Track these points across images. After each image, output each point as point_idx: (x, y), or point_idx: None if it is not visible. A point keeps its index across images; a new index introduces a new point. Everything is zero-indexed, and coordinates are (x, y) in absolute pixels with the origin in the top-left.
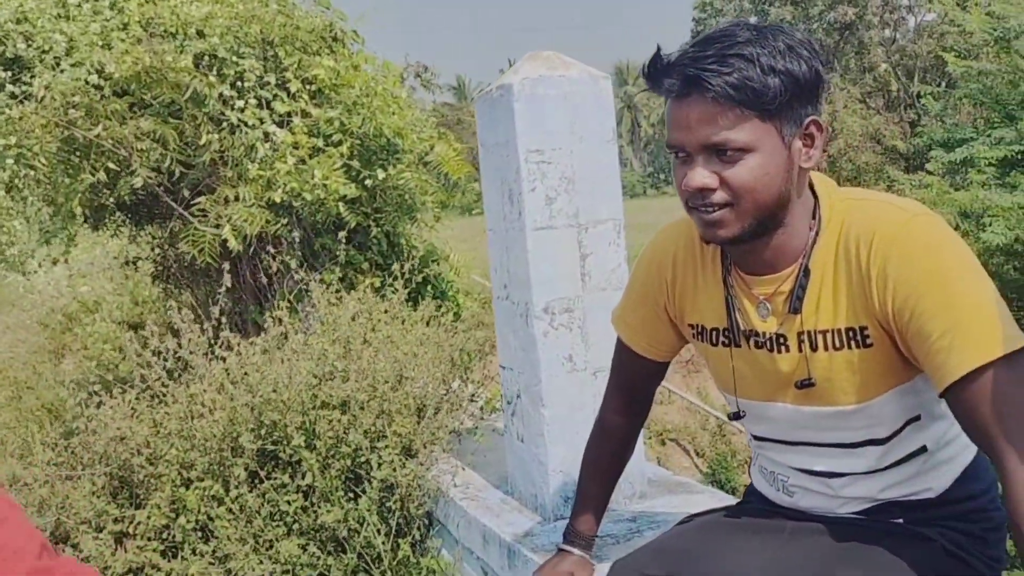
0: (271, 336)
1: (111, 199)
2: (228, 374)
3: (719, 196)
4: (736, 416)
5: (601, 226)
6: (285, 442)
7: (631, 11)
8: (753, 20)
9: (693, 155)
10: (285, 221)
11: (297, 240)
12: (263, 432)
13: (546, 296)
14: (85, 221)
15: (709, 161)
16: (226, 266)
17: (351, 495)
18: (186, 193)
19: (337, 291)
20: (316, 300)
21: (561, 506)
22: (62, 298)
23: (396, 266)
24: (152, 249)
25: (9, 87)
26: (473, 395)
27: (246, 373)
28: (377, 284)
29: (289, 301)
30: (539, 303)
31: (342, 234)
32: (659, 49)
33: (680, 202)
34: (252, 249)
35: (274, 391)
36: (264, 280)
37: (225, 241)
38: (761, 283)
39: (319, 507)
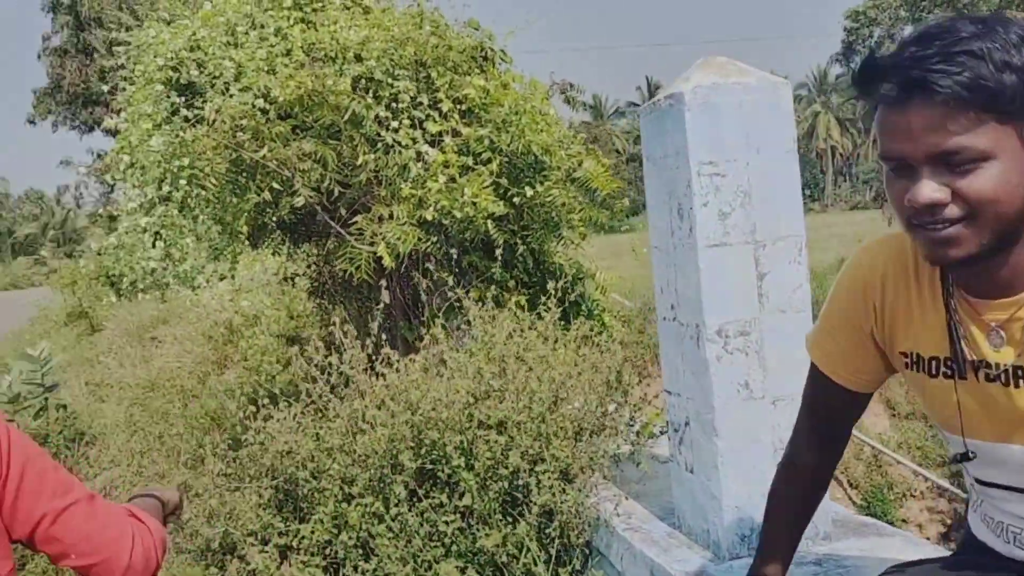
0: (431, 354)
1: (273, 218)
2: (388, 391)
3: (952, 211)
4: (964, 458)
5: (780, 243)
6: (443, 461)
7: (768, 24)
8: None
9: (916, 166)
10: (435, 239)
11: (445, 258)
12: (423, 451)
13: (720, 318)
14: (248, 239)
15: (936, 172)
16: (383, 283)
17: (508, 519)
18: (343, 212)
19: (490, 309)
20: (472, 318)
21: (737, 544)
22: (225, 312)
23: (551, 284)
24: (308, 266)
25: (183, 111)
26: (630, 419)
27: (406, 390)
28: (523, 302)
29: (439, 318)
30: (712, 325)
31: (498, 251)
32: (873, 51)
33: (834, 219)
34: (404, 266)
35: (433, 409)
36: (413, 297)
37: (380, 258)
38: (993, 308)
39: (477, 529)
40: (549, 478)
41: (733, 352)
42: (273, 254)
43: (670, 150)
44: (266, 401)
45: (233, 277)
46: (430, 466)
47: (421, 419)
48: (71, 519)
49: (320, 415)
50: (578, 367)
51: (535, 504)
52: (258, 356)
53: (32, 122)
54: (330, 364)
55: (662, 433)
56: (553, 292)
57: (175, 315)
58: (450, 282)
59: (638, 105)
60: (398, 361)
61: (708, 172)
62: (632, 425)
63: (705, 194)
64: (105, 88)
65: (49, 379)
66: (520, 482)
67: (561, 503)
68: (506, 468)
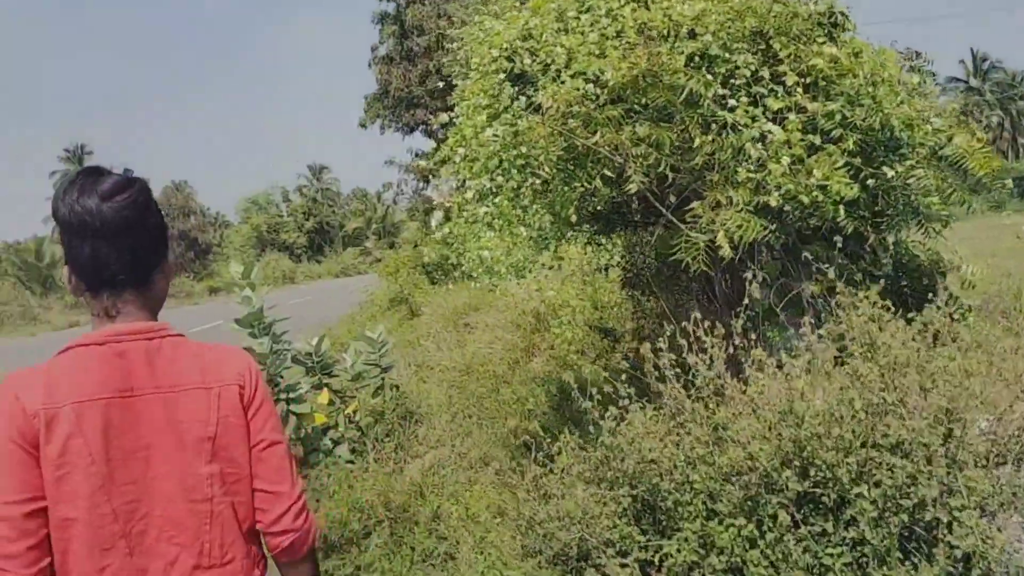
0: (816, 358)
1: (596, 207)
2: (762, 398)
3: None
4: None
5: None
6: (830, 484)
7: None
8: None
9: None
10: (773, 227)
11: (783, 247)
12: (811, 472)
13: None
14: (572, 228)
15: None
16: (749, 275)
17: (909, 559)
18: (672, 199)
19: (871, 306)
20: (848, 318)
21: None
22: (531, 301)
23: (953, 278)
24: (622, 256)
25: (516, 102)
26: None
27: (790, 401)
28: (873, 298)
29: (776, 313)
30: None
31: (871, 240)
32: None
33: None
34: (739, 257)
35: (820, 423)
36: (738, 290)
37: (711, 248)
38: None
39: (870, 567)
40: (970, 516)
41: None
42: (587, 244)
43: None
44: (626, 402)
45: (560, 267)
46: (813, 489)
47: (808, 435)
48: (276, 451)
49: (675, 421)
50: (989, 377)
51: (954, 546)
52: (564, 346)
53: (363, 126)
54: (680, 362)
55: None
56: (921, 291)
57: (485, 303)
58: (786, 275)
59: (961, 80)
60: (775, 364)
61: None
62: None
63: None
64: (440, 85)
65: (385, 360)
66: (927, 516)
67: (986, 547)
68: (909, 499)
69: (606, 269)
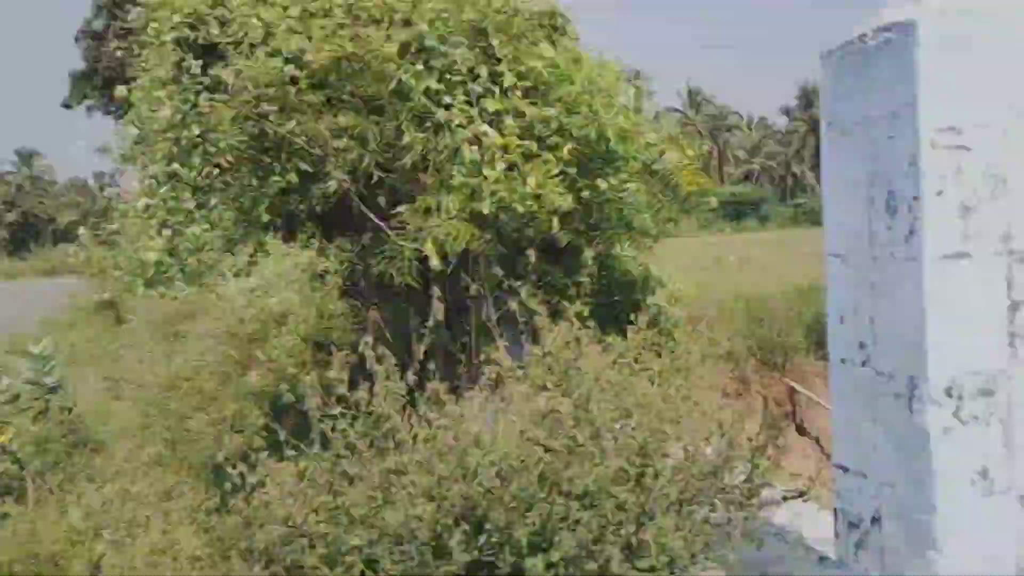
0: (488, 380)
1: (302, 206)
2: (435, 444)
3: None
4: None
5: None
6: (506, 547)
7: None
8: None
9: None
10: (488, 237)
11: (500, 259)
12: (487, 532)
13: (951, 368)
14: (276, 230)
15: None
16: (434, 290)
17: None
18: (382, 202)
19: (573, 329)
20: (545, 340)
21: None
22: (250, 309)
23: (656, 298)
24: (341, 263)
25: (195, 72)
26: (750, 480)
27: (462, 448)
28: (585, 313)
29: (490, 329)
30: (938, 380)
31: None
32: None
33: None
34: (451, 268)
35: (497, 474)
36: (457, 303)
37: (424, 258)
38: None
39: None
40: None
41: (968, 422)
42: (305, 247)
43: (881, 109)
44: (264, 454)
45: (248, 275)
46: (486, 555)
47: (479, 491)
48: None
49: (332, 471)
50: (680, 408)
51: None
52: (283, 359)
53: (68, 107)
54: (346, 400)
55: (784, 499)
56: (632, 306)
57: (201, 310)
58: (502, 287)
59: (678, 110)
60: (454, 398)
61: (947, 143)
62: (748, 483)
63: (941, 177)
64: (117, 52)
65: (51, 379)
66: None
67: None
68: (595, 559)
69: (323, 275)
